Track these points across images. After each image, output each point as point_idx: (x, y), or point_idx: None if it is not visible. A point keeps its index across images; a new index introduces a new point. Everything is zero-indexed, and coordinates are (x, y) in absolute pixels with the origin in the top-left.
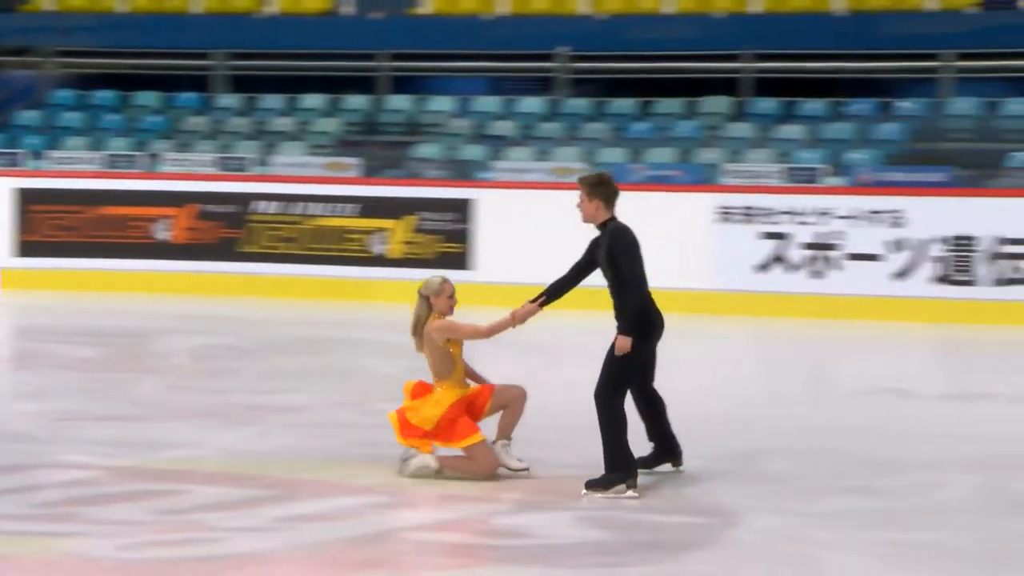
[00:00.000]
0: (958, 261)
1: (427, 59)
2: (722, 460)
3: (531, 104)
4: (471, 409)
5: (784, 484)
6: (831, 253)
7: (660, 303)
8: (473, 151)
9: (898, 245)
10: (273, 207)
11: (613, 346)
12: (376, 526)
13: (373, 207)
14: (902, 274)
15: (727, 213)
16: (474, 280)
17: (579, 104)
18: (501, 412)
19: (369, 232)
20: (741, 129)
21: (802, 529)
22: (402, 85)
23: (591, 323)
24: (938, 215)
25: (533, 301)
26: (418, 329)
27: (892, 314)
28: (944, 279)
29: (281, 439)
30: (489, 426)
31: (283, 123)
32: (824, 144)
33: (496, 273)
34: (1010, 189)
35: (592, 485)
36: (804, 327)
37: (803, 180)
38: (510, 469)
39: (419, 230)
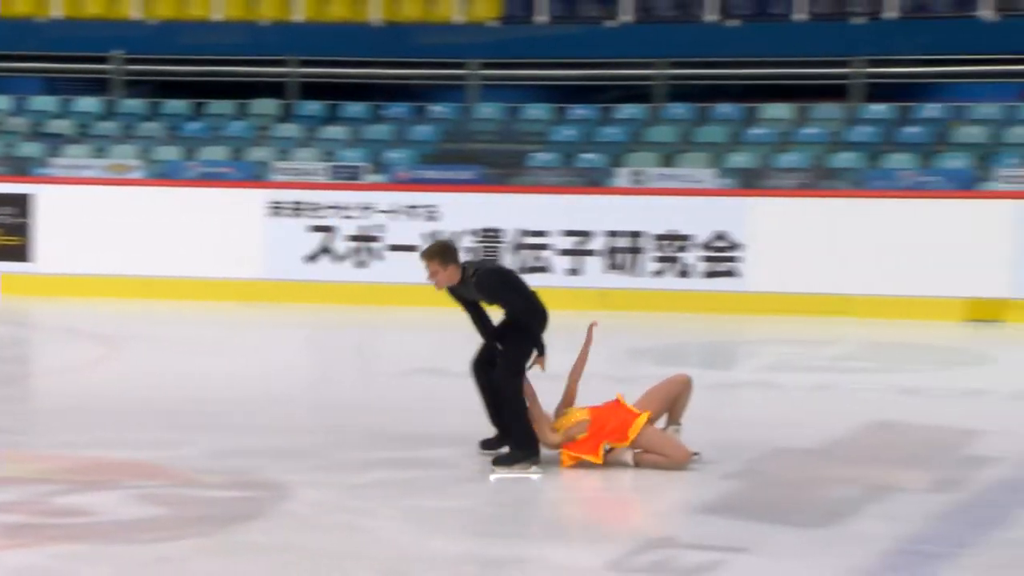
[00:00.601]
0: (486, 251)
1: None
2: (272, 437)
3: (87, 104)
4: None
5: (330, 458)
6: (373, 244)
7: (214, 292)
8: (31, 148)
9: (433, 237)
10: None
11: (510, 338)
12: None
13: None
14: None
15: (277, 208)
16: (35, 272)
17: (134, 104)
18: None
19: None
20: (289, 129)
21: (346, 500)
22: None
23: (150, 311)
24: (468, 210)
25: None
26: None
27: (429, 300)
28: None
29: None
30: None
31: None
32: (365, 144)
33: (56, 265)
34: (531, 186)
35: (499, 463)
36: (350, 313)
37: (347, 177)
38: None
39: None
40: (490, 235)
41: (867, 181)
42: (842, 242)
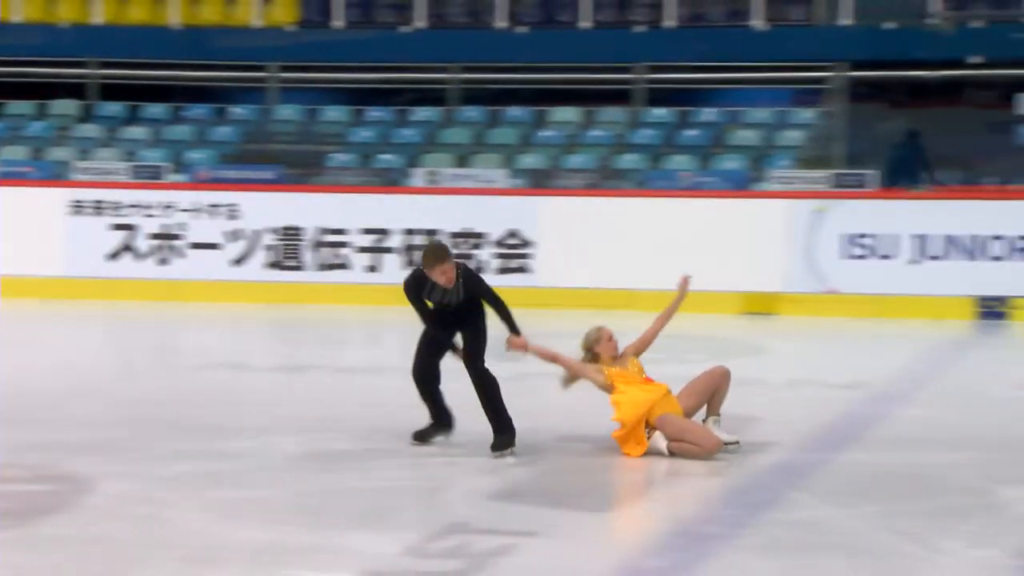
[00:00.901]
0: (287, 249)
1: None
2: (74, 431)
3: None
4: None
5: (133, 452)
6: (175, 242)
7: (17, 290)
8: None
9: (235, 235)
10: None
11: (476, 328)
12: None
13: None
14: (239, 261)
15: (79, 207)
16: None
17: None
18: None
19: None
20: (90, 130)
21: (149, 491)
22: None
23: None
24: (269, 208)
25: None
26: (571, 376)
27: (231, 296)
28: (275, 265)
29: None
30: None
31: None
32: (167, 144)
33: None
34: (330, 186)
35: (496, 448)
36: (152, 309)
37: (148, 177)
38: (723, 443)
39: None
40: (291, 233)
41: (649, 181)
42: (626, 239)
